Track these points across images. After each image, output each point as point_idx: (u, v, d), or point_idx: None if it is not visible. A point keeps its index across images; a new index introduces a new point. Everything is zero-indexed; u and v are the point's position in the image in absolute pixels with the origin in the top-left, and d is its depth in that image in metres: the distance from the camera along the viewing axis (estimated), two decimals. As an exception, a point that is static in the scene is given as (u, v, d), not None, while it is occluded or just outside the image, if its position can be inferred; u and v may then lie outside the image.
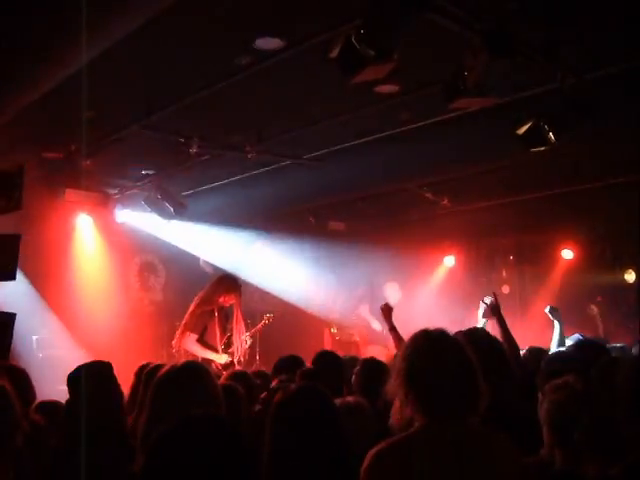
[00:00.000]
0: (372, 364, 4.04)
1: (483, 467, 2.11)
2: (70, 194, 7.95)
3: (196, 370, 2.49)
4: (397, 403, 2.20)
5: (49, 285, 8.38)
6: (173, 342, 6.87)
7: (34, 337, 8.30)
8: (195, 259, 10.10)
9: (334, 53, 4.07)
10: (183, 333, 6.71)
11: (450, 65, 4.39)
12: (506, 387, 3.20)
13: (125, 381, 3.61)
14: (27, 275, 7.65)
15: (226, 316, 6.81)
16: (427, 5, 3.85)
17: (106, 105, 5.67)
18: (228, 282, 6.87)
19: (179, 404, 2.28)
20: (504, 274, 11.32)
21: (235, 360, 6.74)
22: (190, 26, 4.48)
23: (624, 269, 9.76)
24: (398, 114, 6.10)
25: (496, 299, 4.78)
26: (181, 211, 8.28)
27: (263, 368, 9.00)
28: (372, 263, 10.60)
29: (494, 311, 4.71)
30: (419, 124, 6.19)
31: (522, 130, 5.30)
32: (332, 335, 10.11)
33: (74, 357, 7.30)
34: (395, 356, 2.30)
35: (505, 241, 11.11)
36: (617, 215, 8.50)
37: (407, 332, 2.39)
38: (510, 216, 9.27)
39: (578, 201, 8.46)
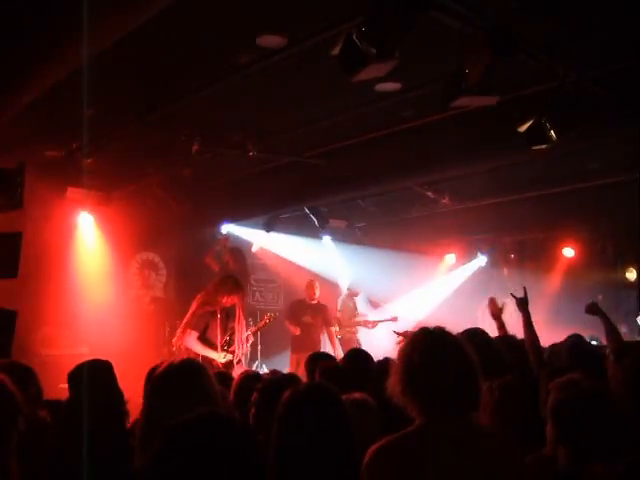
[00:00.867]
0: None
1: (483, 465, 2.10)
2: (71, 192, 7.94)
3: (193, 368, 2.48)
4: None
5: (50, 283, 8.38)
6: (173, 340, 6.88)
7: (35, 335, 8.31)
8: (196, 257, 10.09)
9: (335, 51, 4.07)
10: (184, 331, 6.73)
11: (451, 63, 4.38)
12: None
13: (126, 379, 3.61)
14: (28, 273, 7.66)
15: (227, 315, 6.82)
16: (428, 3, 3.84)
17: (107, 103, 5.66)
18: (231, 283, 6.88)
19: (176, 402, 2.28)
20: (505, 272, 11.33)
21: (236, 359, 6.76)
22: (191, 24, 4.47)
23: (625, 267, 9.76)
24: (399, 112, 6.09)
25: (526, 293, 4.76)
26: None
27: (264, 367, 9.10)
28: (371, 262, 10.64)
29: (523, 305, 4.69)
30: (420, 122, 6.19)
31: (523, 128, 5.30)
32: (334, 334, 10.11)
33: (75, 355, 7.31)
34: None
35: (506, 239, 11.12)
36: (619, 213, 8.49)
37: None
38: (511, 214, 9.27)
39: (580, 199, 8.45)
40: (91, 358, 3.46)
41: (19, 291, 6.29)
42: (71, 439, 3.02)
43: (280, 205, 9.28)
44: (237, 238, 10.38)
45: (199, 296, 6.90)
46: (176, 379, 2.41)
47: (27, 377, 3.75)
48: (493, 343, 4.07)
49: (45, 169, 7.44)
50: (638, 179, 7.17)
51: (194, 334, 6.69)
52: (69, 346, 8.50)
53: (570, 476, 2.38)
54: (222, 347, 6.74)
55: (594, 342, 6.97)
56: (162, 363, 3.75)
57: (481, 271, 11.39)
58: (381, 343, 8.84)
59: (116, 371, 3.33)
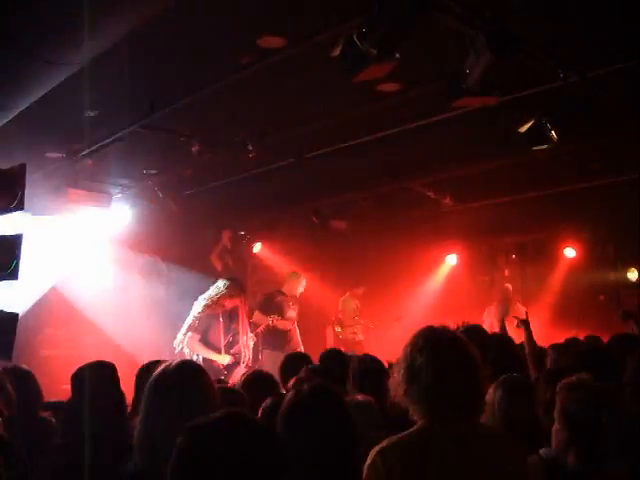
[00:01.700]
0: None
1: (486, 466, 2.10)
2: (72, 194, 7.95)
3: (191, 370, 2.47)
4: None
5: (51, 284, 8.39)
6: (175, 342, 6.88)
7: (37, 337, 8.31)
8: (197, 258, 10.10)
9: (336, 52, 4.07)
10: (185, 334, 6.73)
11: (452, 64, 4.38)
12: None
13: (127, 381, 3.61)
14: (30, 274, 7.66)
15: (230, 317, 6.83)
16: (429, 3, 3.85)
17: (107, 104, 5.67)
18: (233, 286, 6.89)
19: (173, 404, 2.27)
20: (506, 273, 11.31)
21: (241, 361, 6.76)
22: (192, 25, 4.47)
23: (627, 268, 9.74)
24: (400, 112, 6.09)
25: (527, 317, 4.94)
26: None
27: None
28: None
29: (524, 325, 4.80)
30: (421, 123, 6.19)
31: (524, 128, 5.30)
32: (336, 334, 10.10)
33: (76, 357, 7.32)
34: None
35: (507, 240, 11.10)
36: (620, 214, 8.48)
37: (409, 331, 2.38)
38: (513, 215, 9.26)
39: (581, 200, 8.45)
40: (94, 360, 3.46)
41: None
42: (72, 440, 3.03)
43: (280, 205, 9.29)
44: (237, 239, 10.38)
45: (201, 298, 6.91)
46: (173, 380, 2.39)
47: (28, 381, 3.76)
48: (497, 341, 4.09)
49: (46, 170, 7.45)
50: (638, 179, 7.17)
51: (196, 336, 6.69)
52: (70, 347, 8.51)
53: (582, 476, 2.37)
54: (225, 349, 6.74)
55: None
56: (153, 363, 3.76)
57: (481, 271, 11.38)
58: (383, 343, 8.86)
59: (117, 373, 3.33)
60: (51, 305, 8.41)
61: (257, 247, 10.86)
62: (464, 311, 9.11)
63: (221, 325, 6.72)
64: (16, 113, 4.97)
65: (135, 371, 3.75)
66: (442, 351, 2.17)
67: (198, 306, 6.82)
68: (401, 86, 5.46)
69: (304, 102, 5.90)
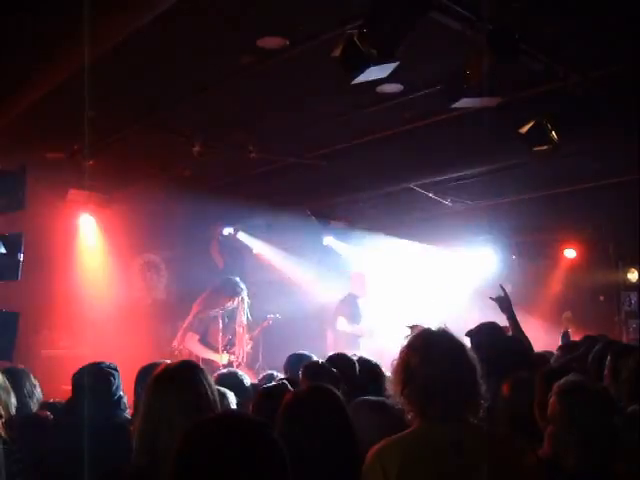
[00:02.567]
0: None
1: (484, 468, 2.10)
2: (73, 194, 7.96)
3: (190, 370, 2.48)
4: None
5: (52, 285, 8.39)
6: (174, 342, 6.89)
7: (37, 337, 8.32)
8: (198, 258, 10.09)
9: (336, 53, 4.07)
10: (185, 334, 6.74)
11: (452, 65, 4.38)
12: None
13: (127, 381, 3.62)
14: (30, 274, 7.66)
15: (229, 317, 6.83)
16: (430, 4, 3.85)
17: (108, 104, 5.67)
18: (231, 286, 6.90)
19: (173, 404, 2.28)
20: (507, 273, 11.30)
21: (238, 361, 6.77)
22: (192, 25, 4.47)
23: (627, 268, 9.75)
24: (400, 113, 6.09)
25: (505, 293, 4.55)
26: None
27: (265, 368, 9.07)
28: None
29: (505, 305, 4.46)
30: (421, 123, 6.19)
31: (525, 129, 5.30)
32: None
33: (77, 357, 7.32)
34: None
35: (507, 240, 11.10)
36: (620, 214, 8.48)
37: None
38: (513, 215, 9.26)
39: (580, 200, 8.44)
40: (94, 361, 3.47)
41: (21, 293, 6.30)
42: (72, 439, 3.03)
43: (281, 206, 9.28)
44: (237, 239, 10.38)
45: (200, 298, 6.92)
46: (173, 380, 2.40)
47: (22, 380, 3.76)
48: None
49: (47, 171, 7.45)
50: (638, 179, 7.17)
51: (195, 336, 6.70)
52: (71, 347, 8.51)
53: (582, 477, 2.37)
54: (223, 349, 6.75)
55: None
56: (153, 364, 3.77)
57: (481, 272, 11.37)
58: (384, 346, 8.85)
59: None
60: (51, 305, 8.40)
61: (256, 248, 10.81)
62: (463, 311, 9.13)
63: (220, 325, 6.73)
64: (17, 113, 4.97)
65: (135, 371, 3.75)
66: (437, 353, 2.17)
67: (197, 305, 6.83)
68: (402, 87, 5.47)
69: (304, 102, 5.91)
